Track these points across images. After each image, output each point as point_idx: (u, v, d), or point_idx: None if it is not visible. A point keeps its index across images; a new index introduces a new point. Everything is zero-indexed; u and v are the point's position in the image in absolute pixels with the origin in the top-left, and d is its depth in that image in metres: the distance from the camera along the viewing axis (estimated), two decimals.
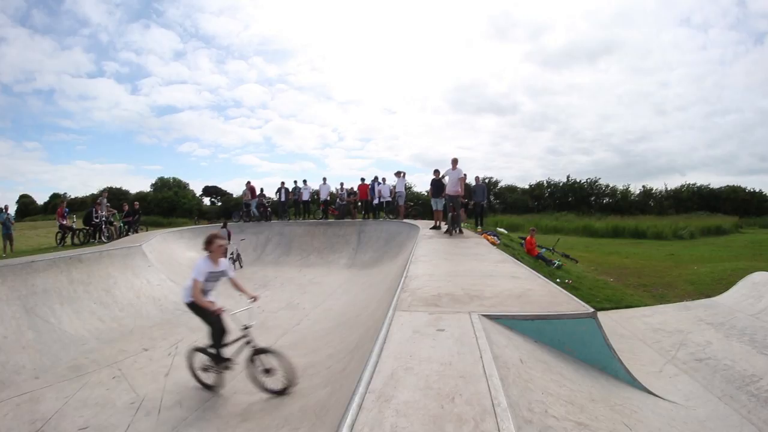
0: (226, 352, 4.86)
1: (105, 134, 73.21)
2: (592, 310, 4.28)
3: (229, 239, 13.83)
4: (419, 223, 14.35)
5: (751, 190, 50.97)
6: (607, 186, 48.97)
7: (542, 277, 6.04)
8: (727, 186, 51.43)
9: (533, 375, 2.62)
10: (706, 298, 9.35)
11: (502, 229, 15.65)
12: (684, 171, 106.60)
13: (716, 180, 76.19)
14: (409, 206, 18.29)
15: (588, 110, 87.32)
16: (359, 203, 18.64)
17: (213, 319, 4.70)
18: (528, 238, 12.05)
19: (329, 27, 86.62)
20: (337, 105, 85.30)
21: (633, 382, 4.22)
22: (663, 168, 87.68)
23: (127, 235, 15.21)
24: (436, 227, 12.18)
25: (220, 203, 46.46)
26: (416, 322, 3.38)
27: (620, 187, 48.56)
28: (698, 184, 50.10)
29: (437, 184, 11.92)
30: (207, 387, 5.03)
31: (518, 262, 7.38)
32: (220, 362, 4.86)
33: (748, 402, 4.83)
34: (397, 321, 3.43)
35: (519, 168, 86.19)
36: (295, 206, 19.72)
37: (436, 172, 11.98)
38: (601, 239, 24.50)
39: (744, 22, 77.72)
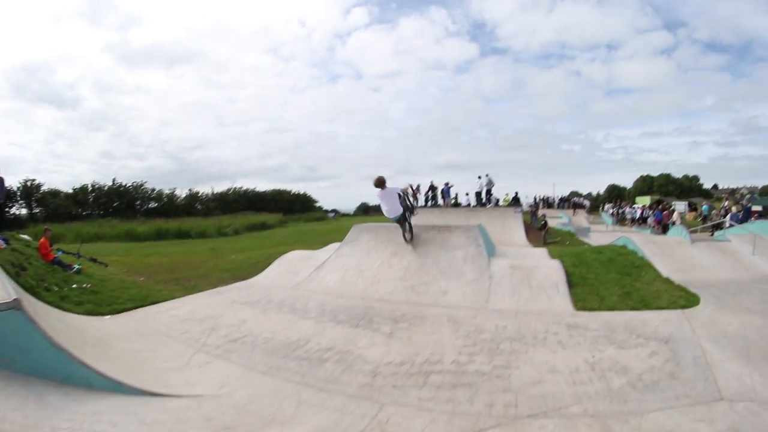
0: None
1: None
2: (14, 297, 3.49)
3: None
4: None
5: (297, 192, 63.02)
6: (153, 190, 47.57)
7: None
8: (274, 189, 59.03)
9: None
10: (242, 281, 9.15)
11: (25, 236, 12.56)
12: (235, 178, 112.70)
13: (266, 185, 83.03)
14: None
15: (150, 114, 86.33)
16: None
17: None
18: (41, 240, 9.79)
19: None
20: None
21: (121, 388, 3.57)
22: (215, 175, 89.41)
23: None
24: None
25: None
26: None
27: (167, 191, 48.08)
28: (245, 188, 54.81)
29: None
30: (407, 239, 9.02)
31: None
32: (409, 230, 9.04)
33: (299, 367, 4.71)
34: None
35: (70, 172, 76.21)
36: None
37: None
38: (143, 242, 23.92)
39: (327, 63, 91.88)
